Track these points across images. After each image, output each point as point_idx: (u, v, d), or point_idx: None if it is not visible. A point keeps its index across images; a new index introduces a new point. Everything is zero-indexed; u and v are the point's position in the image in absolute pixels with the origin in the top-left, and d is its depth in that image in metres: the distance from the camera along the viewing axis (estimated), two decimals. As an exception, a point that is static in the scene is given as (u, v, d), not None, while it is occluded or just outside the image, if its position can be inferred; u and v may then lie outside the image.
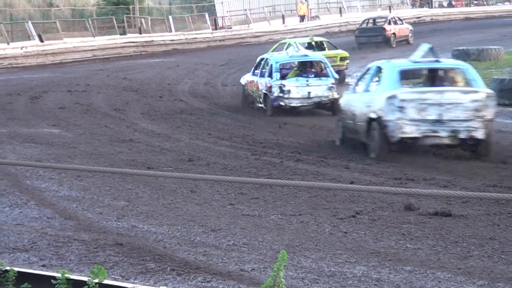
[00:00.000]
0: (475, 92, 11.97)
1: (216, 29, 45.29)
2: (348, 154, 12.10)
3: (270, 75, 18.16)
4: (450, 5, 64.24)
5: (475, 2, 65.72)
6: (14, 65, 31.57)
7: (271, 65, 18.42)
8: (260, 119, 17.07)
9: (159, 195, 9.37)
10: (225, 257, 6.73)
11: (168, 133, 14.91)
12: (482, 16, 56.26)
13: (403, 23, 39.52)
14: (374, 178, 10.18)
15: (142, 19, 44.18)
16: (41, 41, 33.93)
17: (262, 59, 19.50)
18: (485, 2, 65.41)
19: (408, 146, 12.00)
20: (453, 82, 12.84)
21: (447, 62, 13.83)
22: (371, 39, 37.29)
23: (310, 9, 53.59)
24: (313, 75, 18.48)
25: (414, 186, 9.52)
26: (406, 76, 13.94)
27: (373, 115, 12.10)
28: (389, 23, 38.16)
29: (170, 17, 44.77)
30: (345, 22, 50.79)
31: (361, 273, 6.29)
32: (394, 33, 37.94)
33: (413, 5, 61.81)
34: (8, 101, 20.26)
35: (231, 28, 47.01)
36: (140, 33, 40.09)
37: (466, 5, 63.48)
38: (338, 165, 11.19)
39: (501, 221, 7.75)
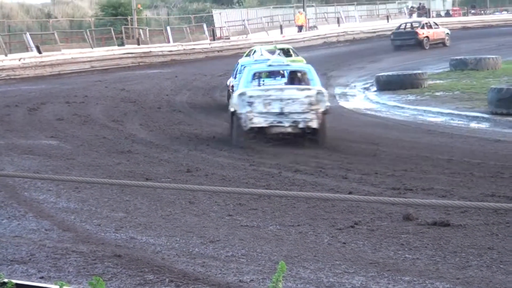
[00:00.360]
0: (308, 89, 14.42)
1: (214, 39, 45.37)
2: (346, 164, 12.11)
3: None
4: (447, 14, 64.47)
5: (472, 11, 65.92)
6: (12, 77, 31.60)
7: (237, 68, 20.68)
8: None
9: (158, 206, 9.36)
10: (223, 268, 6.72)
11: (167, 144, 14.90)
12: (479, 25, 56.45)
13: (438, 27, 42.67)
14: (372, 188, 10.18)
15: (140, 30, 44.29)
16: (39, 52, 33.96)
17: (237, 63, 21.47)
18: (482, 12, 65.57)
19: (259, 134, 14.34)
20: (300, 81, 15.55)
21: (293, 65, 16.49)
22: (405, 42, 41.13)
23: (308, 19, 53.71)
24: (279, 77, 20.12)
25: (413, 196, 9.52)
26: (259, 76, 16.61)
27: (232, 109, 14.51)
28: (423, 27, 41.70)
29: (168, 27, 44.87)
30: (343, 32, 50.94)
31: (360, 284, 6.29)
32: (427, 37, 41.40)
33: (410, 15, 61.99)
34: (6, 112, 20.26)
35: (229, 38, 47.12)
36: (138, 44, 40.15)
37: (464, 15, 63.68)
38: (336, 175, 11.19)
39: (499, 231, 7.74)
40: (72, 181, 10.30)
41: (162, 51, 40.15)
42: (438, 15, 63.84)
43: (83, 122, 18.41)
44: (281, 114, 14.21)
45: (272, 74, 20.09)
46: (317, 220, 8.42)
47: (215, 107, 21.65)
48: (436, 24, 43.52)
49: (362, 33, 51.75)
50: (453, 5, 70.16)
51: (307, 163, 12.34)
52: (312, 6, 60.26)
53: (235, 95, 14.60)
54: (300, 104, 14.18)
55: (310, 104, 14.17)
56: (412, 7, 65.04)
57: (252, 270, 6.65)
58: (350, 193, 9.74)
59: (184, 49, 41.23)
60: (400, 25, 44.27)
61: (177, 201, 9.57)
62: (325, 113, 14.25)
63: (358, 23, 55.31)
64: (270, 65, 15.96)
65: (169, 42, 42.47)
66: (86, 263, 6.93)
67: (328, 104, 14.41)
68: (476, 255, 6.96)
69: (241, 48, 43.34)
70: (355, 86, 27.24)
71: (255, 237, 7.78)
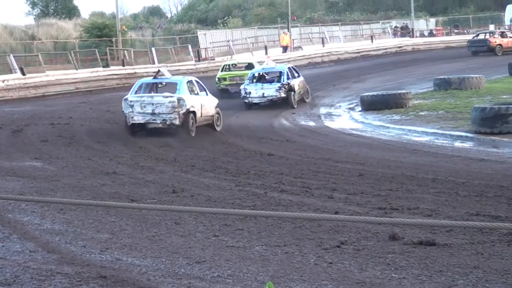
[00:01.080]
0: (171, 97, 19.90)
1: (199, 60, 45.44)
2: (332, 184, 12.11)
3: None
4: (431, 34, 64.81)
5: (455, 31, 66.31)
6: (-4, 99, 31.45)
7: (250, 75, 27.99)
8: (244, 151, 17.08)
9: (143, 227, 9.32)
10: (209, 289, 6.69)
11: (152, 165, 14.88)
12: (462, 45, 56.77)
13: None
14: (358, 208, 10.18)
15: (125, 51, 44.28)
16: (23, 74, 33.85)
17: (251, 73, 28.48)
18: (465, 31, 65.98)
19: (139, 128, 19.97)
20: (174, 90, 20.43)
21: (171, 78, 21.61)
22: (479, 48, 47.55)
23: (293, 40, 53.87)
24: (273, 81, 27.54)
25: (398, 215, 9.52)
26: (145, 86, 21.17)
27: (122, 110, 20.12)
28: (496, 36, 48.10)
29: (153, 49, 44.90)
30: (327, 52, 51.11)
31: (347, 304, 6.27)
32: (500, 44, 47.50)
33: (394, 35, 62.29)
34: (-10, 134, 20.16)
35: (214, 59, 47.18)
36: (123, 65, 40.13)
37: (447, 34, 64.03)
38: (322, 195, 11.18)
39: (484, 250, 7.76)
40: (57, 203, 10.25)
41: (147, 72, 40.01)
42: (422, 35, 64.21)
43: (67, 144, 18.35)
44: (153, 114, 19.76)
45: (264, 80, 27.79)
46: (303, 240, 8.41)
47: (199, 127, 21.61)
48: None
49: (346, 53, 51.97)
50: (436, 25, 70.59)
51: (292, 183, 12.34)
52: (297, 26, 60.53)
53: (122, 100, 20.19)
54: (166, 107, 19.70)
55: (173, 107, 19.67)
56: (396, 27, 65.40)
57: (238, 290, 6.63)
58: (336, 213, 9.74)
59: (169, 70, 41.18)
60: (478, 34, 51.19)
61: (163, 222, 9.54)
62: (185, 113, 19.69)
63: (342, 43, 55.55)
64: (154, 78, 21.52)
65: (154, 63, 42.46)
66: (71, 285, 6.89)
67: (188, 107, 19.80)
68: (462, 274, 6.96)
69: (226, 69, 43.36)
70: (340, 106, 27.32)
71: (241, 257, 7.76)
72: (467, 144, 17.07)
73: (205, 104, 20.91)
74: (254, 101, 26.57)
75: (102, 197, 11.35)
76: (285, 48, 50.61)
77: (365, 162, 14.50)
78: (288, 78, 26.96)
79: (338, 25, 62.07)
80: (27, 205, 10.64)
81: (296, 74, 28.16)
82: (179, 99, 19.69)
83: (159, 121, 19.67)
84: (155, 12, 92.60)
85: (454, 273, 6.99)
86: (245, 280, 6.93)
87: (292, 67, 29.17)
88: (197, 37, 56.52)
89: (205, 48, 51.06)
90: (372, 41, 56.34)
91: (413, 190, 11.40)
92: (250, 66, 32.27)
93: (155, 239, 8.69)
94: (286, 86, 26.67)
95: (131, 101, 19.83)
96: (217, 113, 21.60)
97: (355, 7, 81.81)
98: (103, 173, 13.92)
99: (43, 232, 9.16)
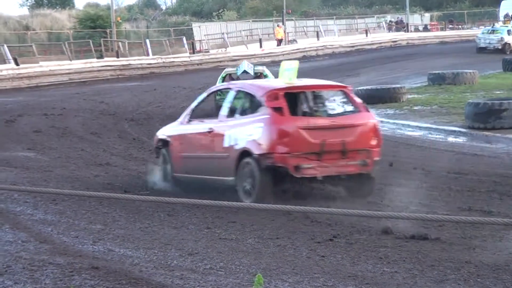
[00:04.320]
0: (497, 36, 45.82)
1: (193, 52, 45.33)
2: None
3: None
4: (425, 29, 64.84)
5: (450, 26, 66.34)
6: (-10, 89, 31.37)
7: None
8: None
9: (136, 218, 9.32)
10: (202, 280, 6.69)
11: (145, 157, 14.85)
12: (457, 39, 56.82)
13: None
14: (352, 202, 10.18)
15: (119, 42, 44.18)
16: (17, 64, 33.77)
17: None
18: (460, 26, 66.04)
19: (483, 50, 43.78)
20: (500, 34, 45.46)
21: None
22: None
23: (288, 33, 53.80)
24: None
25: (391, 210, 9.53)
26: (487, 31, 44.81)
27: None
28: None
29: (147, 40, 44.82)
30: (322, 46, 51.05)
31: (338, 297, 6.27)
32: None
33: (389, 29, 62.27)
34: (-17, 124, 20.11)
35: (208, 51, 47.10)
36: (117, 57, 40.04)
37: (441, 29, 64.07)
38: (315, 189, 11.16)
39: (476, 245, 7.78)
40: (50, 193, 10.24)
41: (141, 64, 40.04)
42: (417, 30, 64.23)
43: (61, 135, 18.31)
44: (489, 43, 45.08)
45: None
46: (296, 233, 8.42)
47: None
48: None
49: (341, 47, 51.92)
50: (431, 19, 70.60)
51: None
52: (292, 20, 60.45)
53: (476, 37, 44.37)
54: (494, 40, 44.90)
55: (498, 40, 44.74)
56: (390, 21, 65.38)
57: (230, 282, 6.63)
58: (328, 206, 9.73)
59: (163, 62, 41.13)
60: None
61: (156, 214, 9.54)
62: (504, 44, 44.28)
63: (337, 37, 55.53)
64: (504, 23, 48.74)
65: (148, 55, 42.40)
66: (63, 275, 6.88)
67: (506, 41, 44.54)
68: (453, 269, 6.98)
69: (220, 61, 43.33)
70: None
71: (234, 250, 7.76)
72: (461, 139, 17.11)
73: None
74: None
75: (95, 188, 11.34)
76: (279, 41, 50.56)
77: (359, 156, 14.48)
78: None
79: (333, 19, 62.02)
80: (19, 195, 10.62)
81: None
82: (501, 37, 43.81)
83: (491, 47, 43.47)
84: (150, 3, 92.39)
85: (446, 268, 7.01)
86: (237, 273, 6.94)
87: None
88: (191, 29, 56.42)
89: (200, 41, 50.97)
90: (366, 35, 56.33)
91: (406, 185, 11.41)
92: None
93: (147, 230, 8.69)
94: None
95: (479, 38, 44.52)
96: None
97: (350, 1, 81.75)
98: (97, 164, 13.90)
99: (35, 223, 9.15)
